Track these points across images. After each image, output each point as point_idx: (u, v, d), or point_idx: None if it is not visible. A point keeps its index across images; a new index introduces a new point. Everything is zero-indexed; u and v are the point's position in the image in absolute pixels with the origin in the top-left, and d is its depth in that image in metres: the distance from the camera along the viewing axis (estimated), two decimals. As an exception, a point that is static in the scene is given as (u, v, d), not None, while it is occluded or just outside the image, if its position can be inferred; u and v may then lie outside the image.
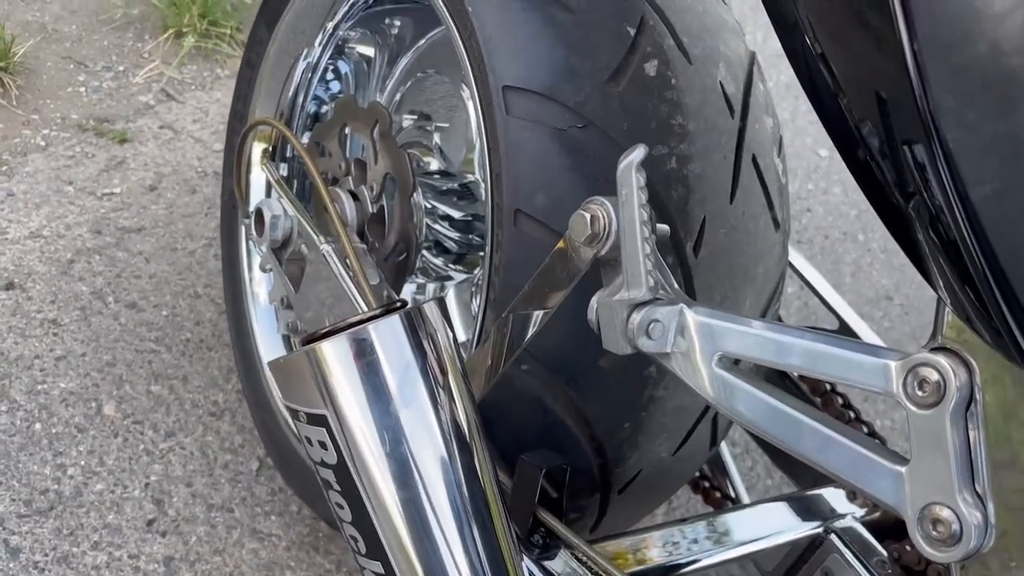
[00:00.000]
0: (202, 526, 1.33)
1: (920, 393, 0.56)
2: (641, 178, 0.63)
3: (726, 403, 0.63)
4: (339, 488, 0.66)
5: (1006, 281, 0.51)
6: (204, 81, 2.11)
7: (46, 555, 1.24)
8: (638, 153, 0.63)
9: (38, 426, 1.37)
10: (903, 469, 0.57)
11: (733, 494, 1.24)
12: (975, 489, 0.55)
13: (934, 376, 0.56)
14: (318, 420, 0.65)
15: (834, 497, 1.02)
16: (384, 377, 0.64)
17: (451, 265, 1.23)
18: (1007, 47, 0.47)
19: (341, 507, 0.66)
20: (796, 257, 1.24)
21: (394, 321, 0.65)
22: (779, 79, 2.55)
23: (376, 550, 0.65)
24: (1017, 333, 0.51)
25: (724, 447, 1.28)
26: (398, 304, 0.68)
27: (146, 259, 1.66)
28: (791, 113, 2.52)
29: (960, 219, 0.52)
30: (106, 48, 2.12)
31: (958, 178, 0.51)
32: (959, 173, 0.51)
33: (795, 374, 1.10)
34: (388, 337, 0.65)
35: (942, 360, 0.56)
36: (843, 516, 0.98)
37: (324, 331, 0.65)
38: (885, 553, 0.95)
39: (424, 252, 1.19)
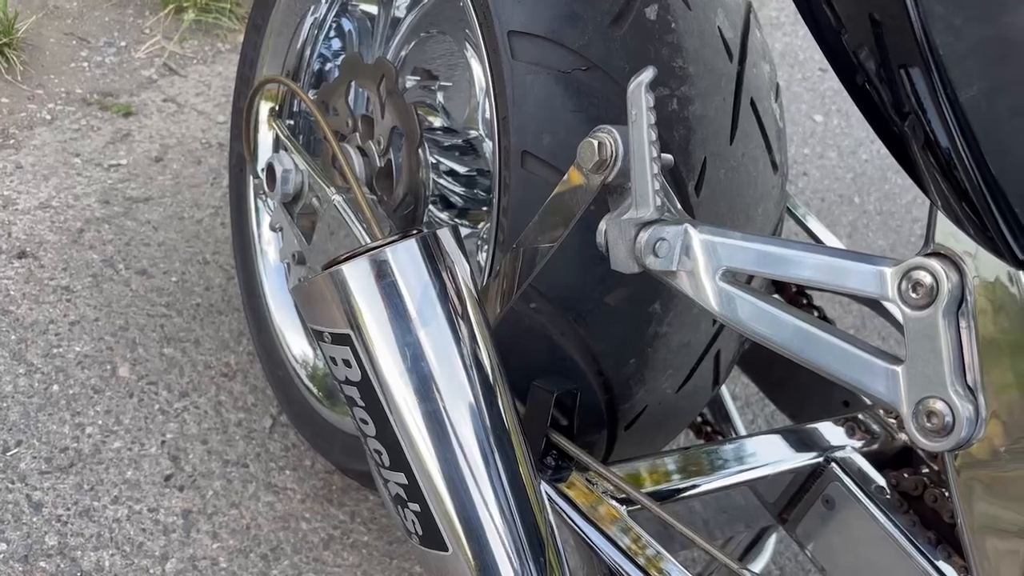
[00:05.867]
0: (218, 481, 1.36)
1: (914, 295, 0.60)
2: (650, 99, 0.66)
3: (731, 316, 0.66)
4: (363, 404, 0.69)
5: (994, 182, 0.54)
6: (205, 55, 2.13)
7: (68, 509, 1.27)
8: (647, 74, 0.66)
9: (55, 387, 1.40)
10: (899, 368, 0.60)
11: (734, 437, 1.27)
12: (966, 382, 0.58)
13: (927, 279, 0.59)
14: (342, 339, 0.68)
15: (832, 431, 1.06)
16: (403, 296, 0.67)
17: (456, 220, 1.26)
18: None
19: (365, 422, 0.70)
20: (794, 203, 1.27)
21: (411, 244, 0.68)
22: (774, 47, 2.58)
23: (399, 461, 0.68)
24: (1004, 229, 0.54)
25: (726, 394, 1.31)
26: (414, 232, 0.71)
27: (154, 227, 1.69)
28: (786, 81, 2.55)
29: (951, 125, 0.55)
30: (107, 24, 2.14)
31: (948, 84, 0.54)
32: (949, 78, 0.54)
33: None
34: (405, 259, 0.68)
35: (935, 263, 0.59)
36: (842, 448, 1.01)
37: (345, 255, 0.68)
38: (884, 481, 0.98)
39: (430, 207, 1.22)
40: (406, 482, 0.69)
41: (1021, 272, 0.56)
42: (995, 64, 0.51)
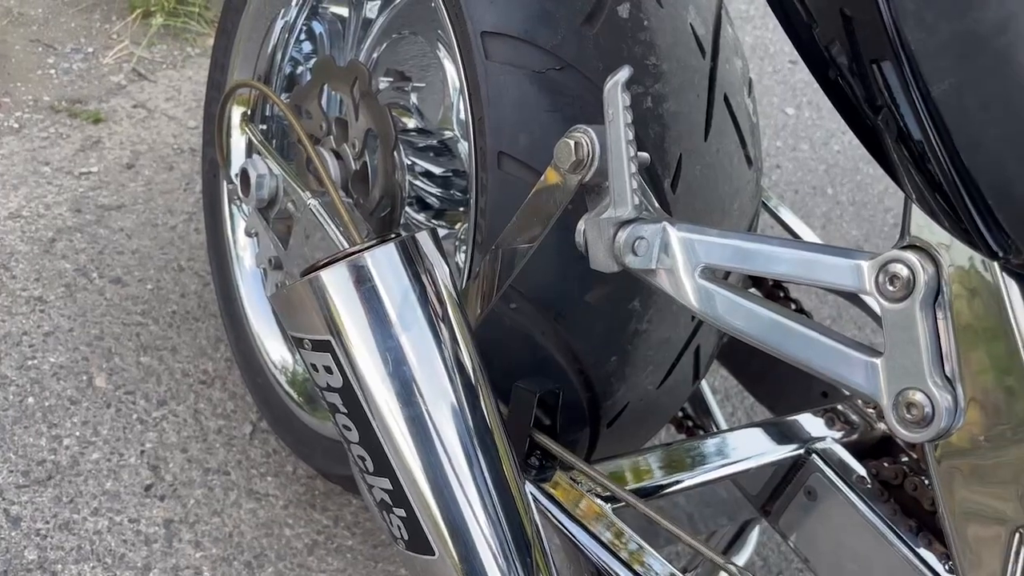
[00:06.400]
0: (199, 489, 1.35)
1: (891, 288, 0.60)
2: (627, 98, 0.66)
3: (711, 312, 0.67)
4: (345, 410, 0.68)
5: (968, 175, 0.55)
6: (175, 60, 2.12)
7: (47, 522, 1.26)
8: (624, 73, 0.66)
9: (31, 400, 1.39)
10: (878, 360, 0.61)
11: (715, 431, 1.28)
12: (945, 373, 0.59)
13: (904, 271, 0.60)
14: (322, 346, 0.67)
15: (812, 423, 1.06)
16: (383, 301, 0.67)
17: (433, 221, 1.26)
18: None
19: (348, 428, 0.69)
20: (769, 197, 1.28)
21: (390, 248, 0.68)
22: (744, 40, 2.59)
23: (383, 467, 0.68)
24: (978, 221, 0.55)
25: (706, 388, 1.32)
26: (393, 236, 0.71)
27: (128, 235, 1.68)
28: (757, 74, 2.56)
29: (924, 120, 0.55)
30: (74, 30, 2.12)
31: (920, 79, 0.54)
32: (921, 73, 0.54)
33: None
34: (385, 263, 0.67)
35: (911, 256, 0.60)
36: (823, 439, 1.02)
37: (324, 261, 0.68)
38: (864, 471, 0.99)
39: (407, 209, 1.21)
40: (391, 487, 0.68)
41: (995, 263, 0.57)
42: (966, 59, 0.52)
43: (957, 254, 0.59)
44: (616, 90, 0.66)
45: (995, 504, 0.60)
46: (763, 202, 1.23)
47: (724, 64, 0.99)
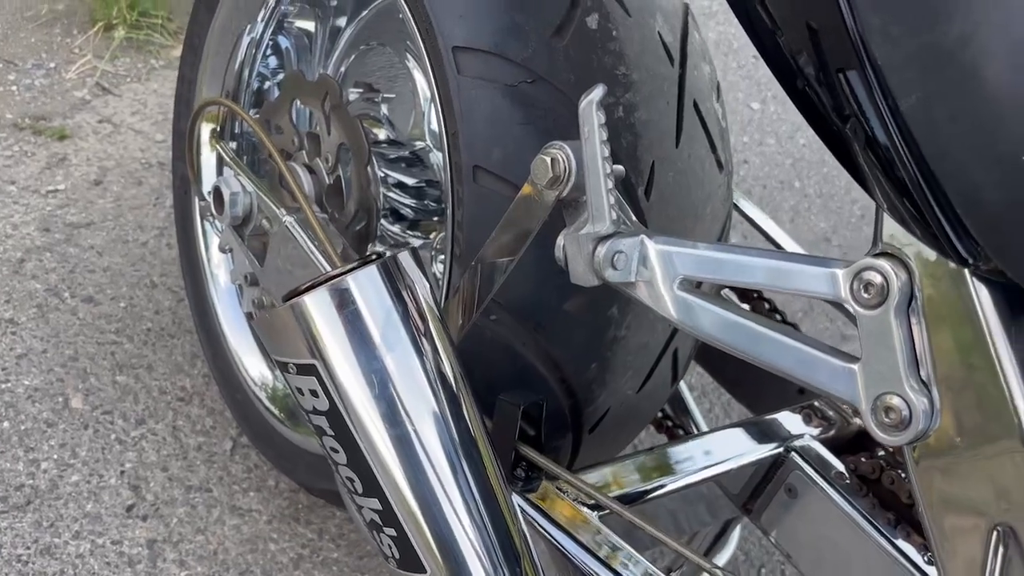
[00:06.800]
0: (182, 507, 1.34)
1: (866, 295, 0.61)
2: (601, 116, 0.67)
3: (690, 322, 0.68)
4: (332, 433, 0.69)
5: (936, 185, 0.56)
6: (139, 73, 2.10)
7: (28, 548, 1.24)
8: (598, 92, 0.67)
9: (6, 424, 1.37)
10: (855, 366, 0.62)
11: (695, 431, 1.29)
12: (920, 377, 0.60)
13: (878, 279, 0.61)
14: (307, 370, 0.68)
15: (790, 420, 1.08)
16: (366, 323, 0.67)
17: (408, 232, 1.26)
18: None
19: (336, 451, 0.70)
20: (739, 198, 1.29)
21: (371, 271, 0.69)
22: (708, 36, 2.62)
23: (372, 487, 0.68)
24: (948, 229, 0.56)
25: (684, 388, 1.34)
26: (374, 256, 0.71)
27: (98, 253, 1.66)
28: (722, 70, 2.58)
29: (892, 131, 0.57)
30: (34, 45, 2.09)
31: (888, 92, 0.55)
32: (888, 86, 0.55)
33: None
34: (367, 286, 0.68)
35: (884, 263, 0.61)
36: (801, 436, 1.04)
37: (306, 285, 0.68)
38: (842, 466, 1.01)
39: (381, 221, 1.22)
40: (380, 508, 0.69)
41: (966, 269, 0.58)
42: (933, 71, 0.53)
43: (929, 261, 0.60)
44: (591, 108, 0.67)
45: (973, 502, 0.61)
46: (734, 204, 1.25)
47: (692, 71, 1.00)
